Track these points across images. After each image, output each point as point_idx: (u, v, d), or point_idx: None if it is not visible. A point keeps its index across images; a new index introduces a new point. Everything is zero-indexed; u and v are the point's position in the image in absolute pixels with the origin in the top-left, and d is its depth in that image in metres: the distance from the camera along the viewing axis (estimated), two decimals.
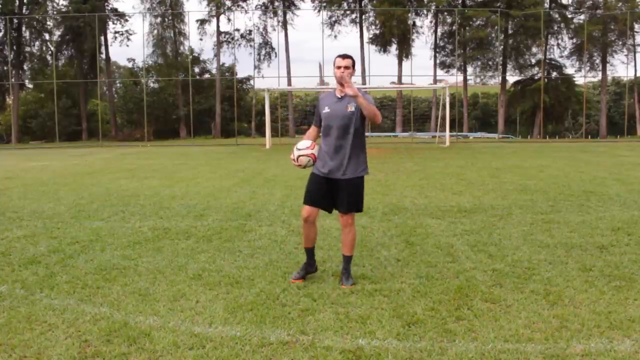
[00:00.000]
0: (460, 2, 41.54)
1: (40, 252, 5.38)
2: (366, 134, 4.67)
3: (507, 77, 42.53)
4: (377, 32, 41.22)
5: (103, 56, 42.64)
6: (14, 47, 39.46)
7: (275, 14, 43.04)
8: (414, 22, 40.97)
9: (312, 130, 4.55)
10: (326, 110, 4.34)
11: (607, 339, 3.24)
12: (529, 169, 13.45)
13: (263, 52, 43.70)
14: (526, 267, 4.73)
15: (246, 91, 47.45)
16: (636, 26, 38.88)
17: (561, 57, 42.82)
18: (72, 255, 5.26)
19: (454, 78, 39.61)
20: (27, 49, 42.17)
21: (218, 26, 42.56)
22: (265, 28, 43.84)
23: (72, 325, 3.53)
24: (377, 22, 40.57)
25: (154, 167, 15.35)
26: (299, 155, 4.37)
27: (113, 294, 4.13)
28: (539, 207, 7.74)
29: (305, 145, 4.38)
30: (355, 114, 4.30)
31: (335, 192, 4.38)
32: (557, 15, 40.80)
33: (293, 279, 4.39)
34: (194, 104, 38.47)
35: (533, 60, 42.02)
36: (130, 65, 46.47)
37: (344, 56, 4.32)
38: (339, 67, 4.26)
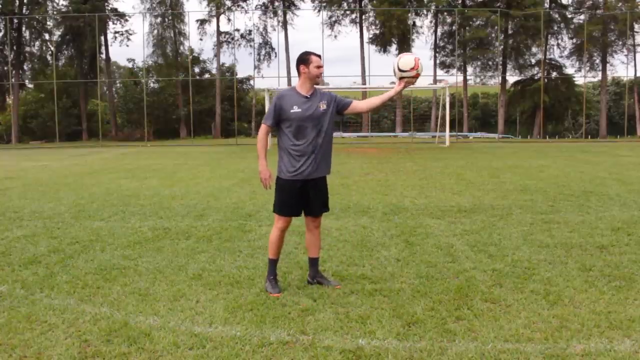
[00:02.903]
0: (460, 2, 41.55)
1: (40, 252, 5.38)
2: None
3: (507, 77, 42.58)
4: (377, 32, 41.25)
5: (103, 56, 42.65)
6: (14, 47, 39.46)
7: (275, 14, 43.04)
8: (414, 22, 40.99)
9: (266, 130, 4.19)
10: (295, 110, 4.06)
11: (607, 339, 3.24)
12: (529, 169, 13.45)
13: (263, 52, 43.75)
14: (526, 267, 4.72)
15: (246, 91, 47.46)
16: (636, 26, 38.89)
17: (561, 57, 42.90)
18: (72, 255, 5.27)
19: (454, 78, 39.65)
20: (27, 49, 42.15)
21: (218, 26, 42.60)
22: (265, 28, 43.88)
23: (72, 325, 3.53)
24: (377, 22, 40.58)
25: (154, 167, 15.35)
26: (419, 59, 4.11)
27: (113, 294, 4.13)
28: (539, 207, 7.74)
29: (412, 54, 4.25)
30: (328, 113, 4.16)
31: (307, 195, 4.19)
32: (557, 15, 40.81)
33: (276, 293, 4.08)
34: (194, 104, 38.45)
35: (533, 60, 42.05)
36: (130, 65, 46.52)
37: (319, 55, 4.17)
38: (319, 67, 4.11)
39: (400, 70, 4.11)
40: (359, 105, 4.36)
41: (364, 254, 5.24)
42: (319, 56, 4.17)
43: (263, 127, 4.20)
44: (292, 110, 4.07)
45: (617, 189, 9.49)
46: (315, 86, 4.21)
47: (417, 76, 4.14)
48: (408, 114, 42.75)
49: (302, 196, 4.20)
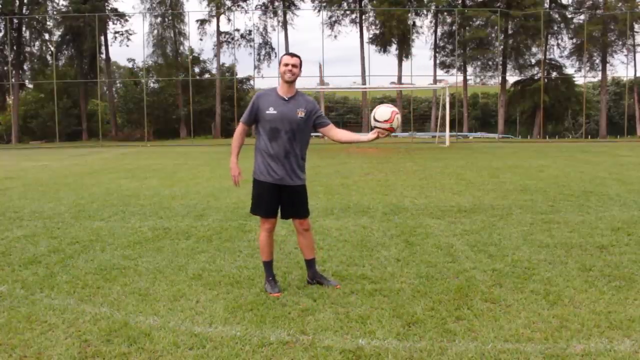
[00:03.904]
0: (460, 2, 41.56)
1: (40, 252, 5.38)
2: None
3: (507, 77, 42.61)
4: (377, 32, 41.27)
5: (103, 56, 42.67)
6: (14, 47, 39.46)
7: (275, 14, 43.05)
8: (414, 22, 41.01)
9: (242, 128, 4.22)
10: (271, 111, 4.04)
11: (607, 339, 3.24)
12: (529, 169, 13.45)
13: (263, 52, 43.77)
14: (526, 267, 4.72)
15: (246, 91, 47.45)
16: (636, 26, 38.91)
17: (561, 57, 43.00)
18: (72, 255, 5.26)
19: (454, 78, 39.66)
20: (27, 49, 42.18)
21: (218, 26, 42.61)
22: (265, 28, 43.91)
23: (72, 325, 3.53)
24: (377, 22, 40.60)
25: (154, 167, 15.35)
26: (396, 114, 3.98)
27: (113, 294, 4.13)
28: (539, 207, 7.74)
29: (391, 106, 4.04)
30: (306, 121, 4.12)
31: (284, 199, 4.17)
32: (557, 15, 40.83)
33: (276, 293, 4.07)
34: (194, 104, 38.47)
35: (533, 60, 42.07)
36: (130, 65, 46.54)
37: (293, 54, 4.11)
38: (286, 65, 4.04)
39: (375, 120, 4.01)
40: (333, 131, 4.22)
41: (364, 254, 5.24)
42: (291, 54, 4.11)
43: (240, 125, 4.23)
44: (267, 111, 4.06)
45: (617, 189, 9.49)
46: (298, 91, 4.17)
47: (390, 130, 4.01)
48: (408, 114, 42.77)
49: (278, 199, 4.17)
